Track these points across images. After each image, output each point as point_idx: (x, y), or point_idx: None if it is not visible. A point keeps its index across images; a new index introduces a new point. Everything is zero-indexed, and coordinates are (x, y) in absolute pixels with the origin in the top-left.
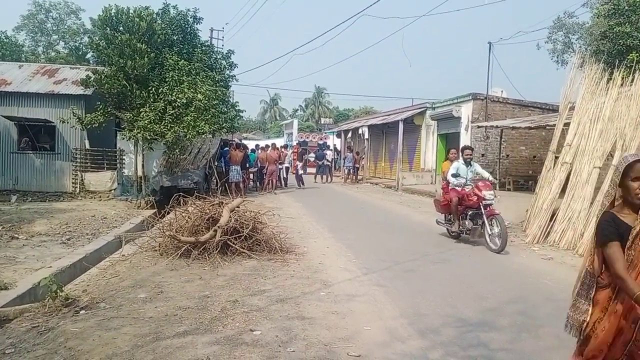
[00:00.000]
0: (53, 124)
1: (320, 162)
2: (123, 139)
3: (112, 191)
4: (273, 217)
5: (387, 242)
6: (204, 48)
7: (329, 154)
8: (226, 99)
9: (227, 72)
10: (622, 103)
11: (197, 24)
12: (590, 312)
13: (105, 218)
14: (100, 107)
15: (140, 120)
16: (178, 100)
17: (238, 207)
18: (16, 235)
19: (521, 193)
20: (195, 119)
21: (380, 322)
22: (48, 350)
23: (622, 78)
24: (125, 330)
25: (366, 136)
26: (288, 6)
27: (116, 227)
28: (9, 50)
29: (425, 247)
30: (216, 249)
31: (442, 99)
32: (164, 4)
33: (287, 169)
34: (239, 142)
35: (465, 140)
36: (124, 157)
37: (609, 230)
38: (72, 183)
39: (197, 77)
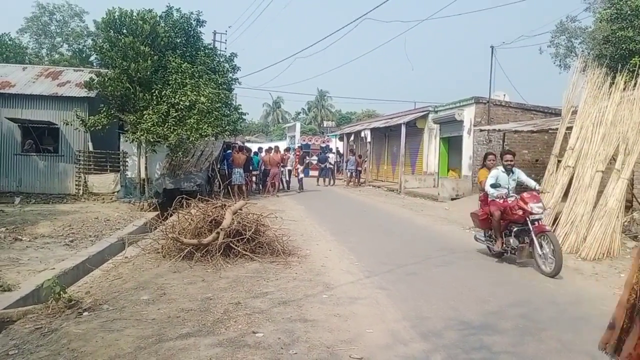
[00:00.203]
0: (57, 126)
1: (322, 165)
2: (126, 141)
3: (115, 193)
4: (275, 219)
5: (389, 245)
6: (207, 51)
7: (332, 157)
8: (229, 102)
9: (230, 74)
10: (625, 107)
11: (200, 27)
12: None
13: (108, 220)
14: (104, 109)
15: (144, 123)
16: (181, 102)
17: (241, 209)
18: (20, 237)
19: None
20: (198, 122)
21: (383, 325)
22: (51, 352)
23: (625, 82)
24: (128, 332)
25: (369, 139)
26: (290, 10)
27: (119, 229)
28: (12, 52)
29: (428, 250)
30: (219, 251)
31: (445, 102)
32: (167, 7)
33: (289, 171)
34: (242, 144)
35: (467, 144)
36: (127, 159)
37: None
38: (76, 185)
39: (200, 79)
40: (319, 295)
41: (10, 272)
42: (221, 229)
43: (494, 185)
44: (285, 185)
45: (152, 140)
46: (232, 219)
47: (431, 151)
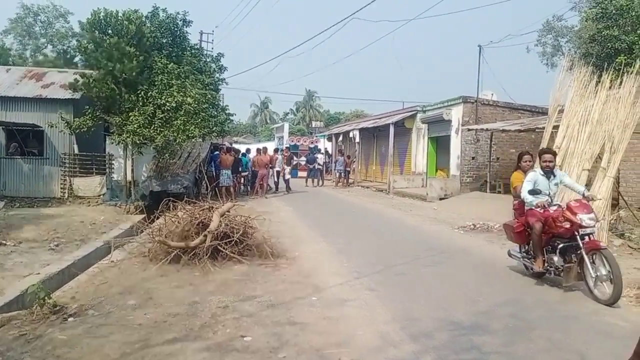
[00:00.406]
0: (41, 129)
1: (311, 166)
2: (112, 143)
3: (101, 196)
4: (264, 221)
5: (379, 245)
6: (193, 51)
7: (320, 158)
8: (216, 103)
9: (217, 75)
10: (611, 106)
11: (186, 27)
12: None
13: (94, 224)
14: (89, 111)
15: (130, 125)
16: (167, 104)
17: (228, 211)
18: (4, 242)
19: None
20: (185, 123)
21: (373, 327)
22: (36, 359)
23: (611, 81)
24: (114, 337)
25: (357, 139)
26: (278, 10)
27: (105, 232)
28: None
29: (417, 251)
30: (206, 254)
31: (433, 102)
32: (153, 7)
33: (278, 172)
34: (230, 146)
35: (455, 143)
36: (113, 161)
37: None
38: (61, 188)
39: (187, 80)
40: (308, 297)
41: None
42: (209, 232)
43: (532, 192)
44: (274, 186)
45: (138, 142)
46: (220, 221)
47: (419, 151)
